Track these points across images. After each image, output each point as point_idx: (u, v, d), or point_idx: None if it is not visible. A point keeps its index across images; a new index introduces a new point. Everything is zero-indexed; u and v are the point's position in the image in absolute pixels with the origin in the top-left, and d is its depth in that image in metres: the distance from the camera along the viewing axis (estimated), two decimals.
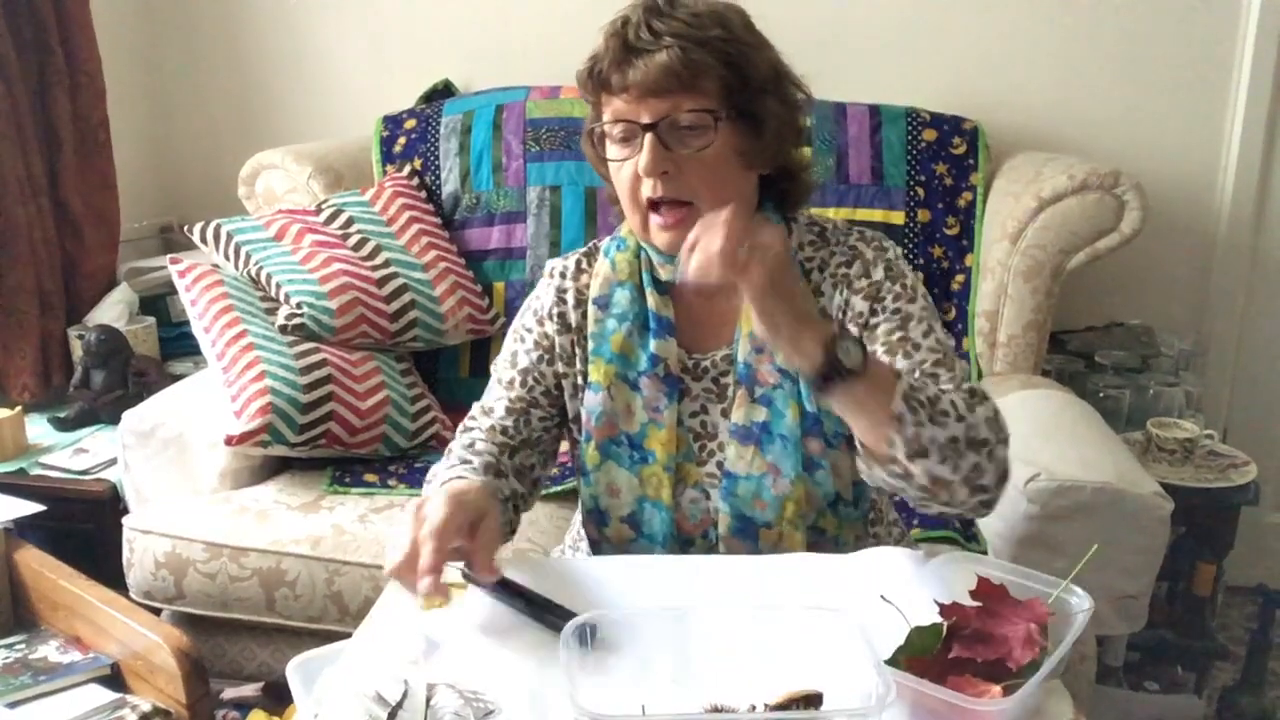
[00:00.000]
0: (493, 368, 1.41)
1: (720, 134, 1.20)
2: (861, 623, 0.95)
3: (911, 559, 1.19)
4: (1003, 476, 1.17)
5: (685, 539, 1.31)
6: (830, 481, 1.27)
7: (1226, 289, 2.50)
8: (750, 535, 1.28)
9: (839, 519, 1.30)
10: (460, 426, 1.37)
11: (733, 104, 1.20)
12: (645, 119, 1.19)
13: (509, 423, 1.33)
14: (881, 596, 1.01)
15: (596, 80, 1.23)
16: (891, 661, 0.93)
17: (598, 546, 1.36)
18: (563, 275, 1.37)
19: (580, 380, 1.34)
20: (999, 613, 0.98)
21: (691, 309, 1.32)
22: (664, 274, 1.31)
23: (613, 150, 1.24)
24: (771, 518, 1.27)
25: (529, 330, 1.37)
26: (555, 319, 1.35)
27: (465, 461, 1.26)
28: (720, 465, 1.29)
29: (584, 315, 1.34)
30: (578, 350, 1.34)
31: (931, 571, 1.08)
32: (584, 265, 1.37)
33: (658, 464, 1.29)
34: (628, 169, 1.22)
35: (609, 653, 0.97)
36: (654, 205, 1.22)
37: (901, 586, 1.05)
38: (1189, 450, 2.08)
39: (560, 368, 1.35)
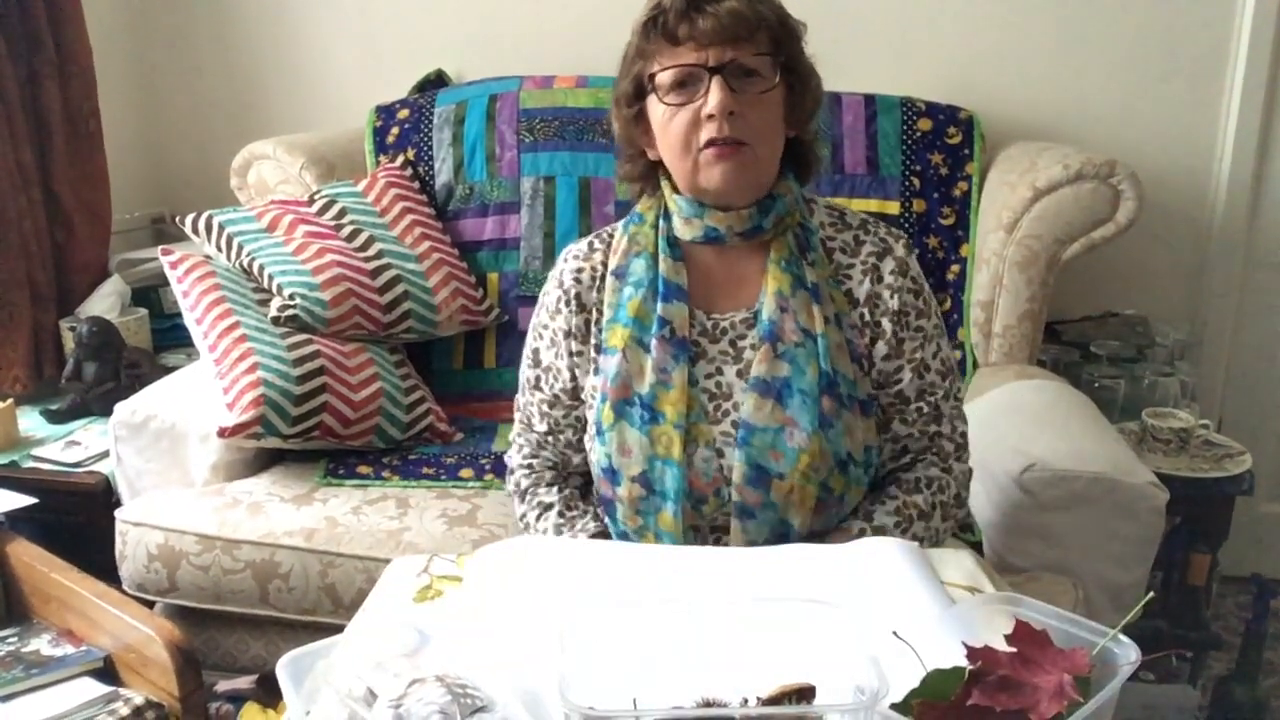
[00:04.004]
0: (523, 357, 1.50)
1: (777, 81, 1.30)
2: (855, 616, 0.94)
3: (905, 550, 1.19)
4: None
5: (699, 497, 1.33)
6: (843, 441, 1.32)
7: (1222, 279, 2.49)
8: (763, 485, 1.31)
9: (847, 479, 1.34)
10: (513, 445, 1.53)
11: (783, 54, 1.32)
12: (712, 63, 1.27)
13: (557, 415, 1.46)
14: (894, 634, 0.93)
15: (661, 31, 1.29)
16: (901, 707, 0.87)
17: (610, 506, 1.39)
18: (576, 257, 1.45)
19: (594, 353, 1.40)
20: (1035, 661, 0.89)
21: (709, 272, 1.39)
22: (688, 231, 1.37)
23: (669, 97, 1.30)
24: (786, 469, 1.30)
25: (545, 326, 1.46)
26: (570, 304, 1.42)
27: (567, 509, 1.44)
28: (735, 424, 1.32)
29: (599, 290, 1.41)
30: (593, 327, 1.41)
31: (959, 615, 1.02)
32: (595, 245, 1.45)
33: (668, 423, 1.33)
34: (683, 115, 1.29)
35: (600, 646, 0.97)
36: (707, 144, 1.29)
37: (913, 622, 0.97)
38: (1184, 440, 2.08)
39: (575, 345, 1.42)
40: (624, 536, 1.38)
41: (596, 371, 1.39)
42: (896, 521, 1.36)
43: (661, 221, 1.40)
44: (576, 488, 1.50)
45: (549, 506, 1.46)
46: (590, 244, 1.46)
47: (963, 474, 1.43)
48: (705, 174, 1.31)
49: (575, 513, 1.45)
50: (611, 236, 1.45)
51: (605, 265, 1.42)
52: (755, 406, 1.31)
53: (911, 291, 1.38)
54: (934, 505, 1.38)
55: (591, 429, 1.40)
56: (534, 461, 1.51)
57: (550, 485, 1.48)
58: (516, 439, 1.54)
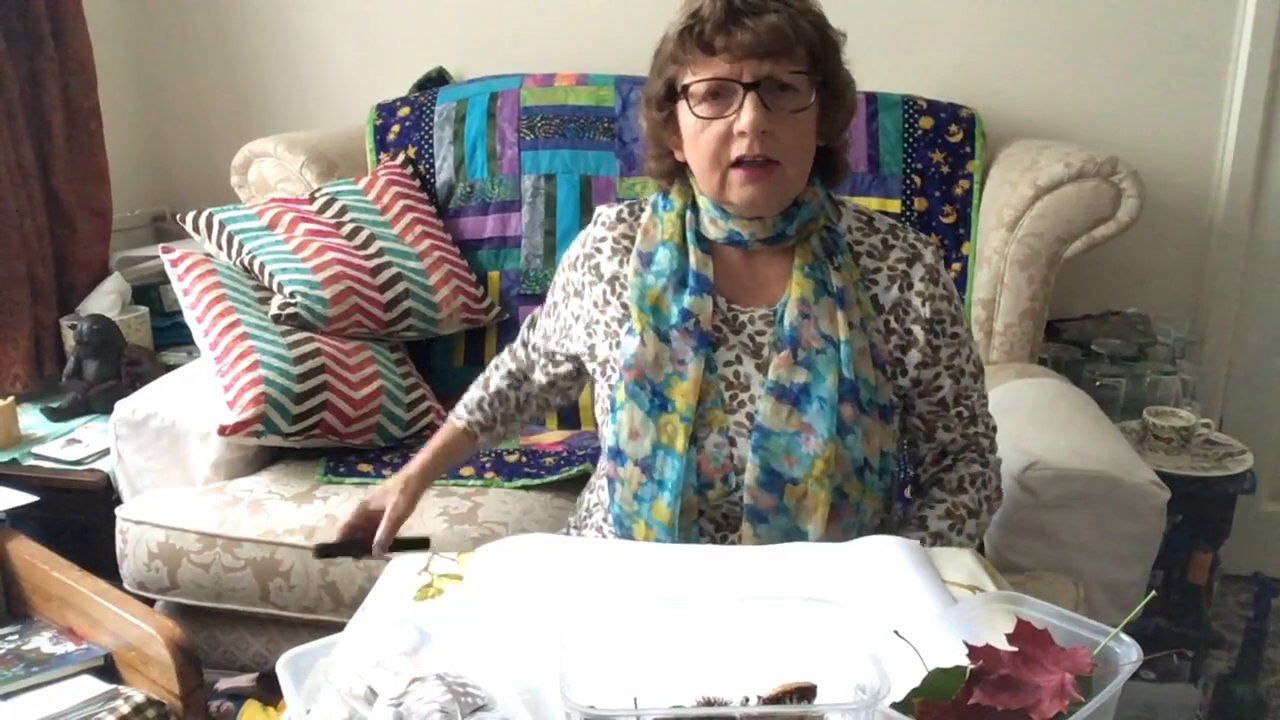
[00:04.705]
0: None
1: (813, 100, 1.28)
2: (856, 614, 0.94)
3: (905, 549, 1.18)
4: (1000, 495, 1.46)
5: (705, 481, 1.32)
6: (860, 447, 1.31)
7: (1223, 277, 2.49)
8: (776, 489, 1.30)
9: (863, 485, 1.33)
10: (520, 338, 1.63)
11: (820, 72, 1.29)
12: (747, 78, 1.25)
13: (537, 340, 1.56)
14: (895, 632, 0.92)
15: (697, 40, 1.26)
16: (902, 706, 0.86)
17: (611, 484, 1.38)
18: (604, 224, 1.45)
19: (616, 325, 1.39)
20: (1037, 660, 0.89)
21: (734, 268, 1.38)
22: (713, 231, 1.36)
23: (701, 109, 1.28)
24: (800, 474, 1.30)
25: (562, 272, 1.50)
26: (588, 269, 1.43)
27: (496, 401, 1.60)
28: (751, 416, 1.32)
29: (621, 263, 1.41)
30: (611, 298, 1.40)
31: (960, 614, 1.01)
32: (624, 215, 1.45)
33: (675, 413, 1.32)
34: (715, 128, 1.27)
35: (601, 645, 0.96)
36: (737, 163, 1.27)
37: (913, 618, 0.97)
38: (1185, 439, 2.08)
39: (577, 307, 1.44)
40: (618, 521, 1.38)
41: (616, 345, 1.38)
42: (950, 524, 1.37)
43: (689, 214, 1.39)
44: (522, 395, 1.61)
45: (488, 385, 1.61)
46: (619, 213, 1.45)
47: (996, 465, 1.45)
48: (733, 192, 1.30)
49: (497, 404, 1.60)
50: (642, 212, 1.44)
51: (630, 239, 1.42)
52: (772, 410, 1.30)
53: (944, 298, 1.37)
54: (980, 502, 1.40)
55: (605, 403, 1.39)
56: (511, 351, 1.63)
57: (507, 378, 1.60)
58: (519, 335, 1.64)
